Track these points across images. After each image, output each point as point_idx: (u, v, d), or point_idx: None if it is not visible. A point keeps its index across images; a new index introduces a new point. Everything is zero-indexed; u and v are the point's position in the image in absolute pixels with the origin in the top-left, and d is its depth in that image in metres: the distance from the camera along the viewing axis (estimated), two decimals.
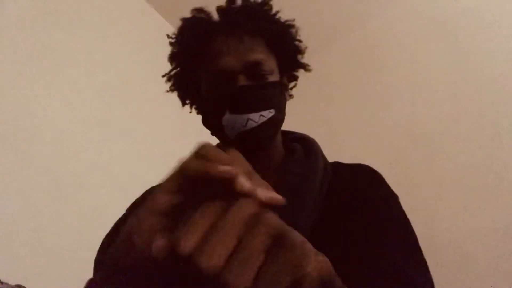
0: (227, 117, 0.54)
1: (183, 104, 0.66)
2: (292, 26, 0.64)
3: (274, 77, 0.58)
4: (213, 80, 0.57)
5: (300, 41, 0.65)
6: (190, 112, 0.68)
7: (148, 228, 0.26)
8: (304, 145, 0.63)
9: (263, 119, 0.54)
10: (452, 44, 1.77)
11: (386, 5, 2.04)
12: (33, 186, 1.17)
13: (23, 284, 0.92)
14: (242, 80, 0.55)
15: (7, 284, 0.86)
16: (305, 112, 2.10)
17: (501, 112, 1.54)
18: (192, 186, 0.26)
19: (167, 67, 0.65)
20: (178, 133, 1.59)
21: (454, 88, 1.70)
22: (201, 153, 0.27)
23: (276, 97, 0.57)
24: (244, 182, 0.24)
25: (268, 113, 0.54)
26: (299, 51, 0.65)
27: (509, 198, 1.41)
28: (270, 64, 0.58)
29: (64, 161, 1.29)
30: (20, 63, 1.25)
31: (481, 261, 1.38)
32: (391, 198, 0.56)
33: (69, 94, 1.40)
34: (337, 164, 0.63)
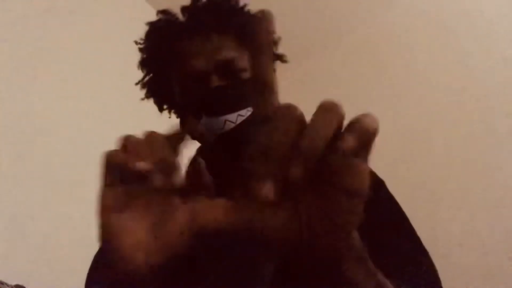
0: (204, 121, 0.52)
1: (161, 110, 0.64)
2: (263, 17, 0.61)
3: (248, 73, 0.55)
4: (185, 84, 0.55)
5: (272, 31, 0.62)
6: (170, 117, 0.65)
7: (114, 224, 0.26)
8: None
9: (241, 119, 0.52)
10: (452, 44, 1.77)
11: (386, 5, 2.03)
12: (33, 186, 1.16)
13: (23, 284, 0.92)
14: (215, 81, 0.52)
15: (7, 284, 0.86)
16: (305, 111, 2.10)
17: (501, 111, 1.54)
18: (123, 174, 0.27)
19: None
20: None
21: (454, 88, 1.70)
22: (121, 144, 0.29)
23: (253, 94, 0.55)
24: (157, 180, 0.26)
25: (246, 112, 0.52)
26: (273, 42, 0.62)
27: (510, 196, 1.41)
28: (243, 60, 0.55)
29: (64, 161, 1.29)
30: (19, 62, 1.25)
31: (481, 260, 1.38)
32: (378, 183, 0.56)
33: (69, 93, 1.40)
34: None
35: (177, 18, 0.59)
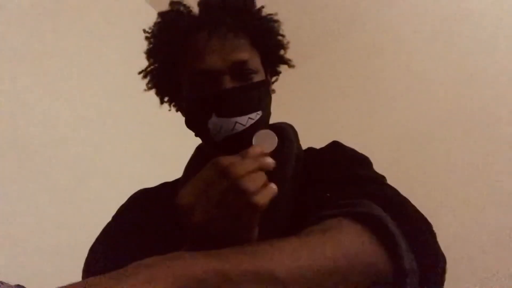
0: (214, 120, 0.52)
1: (162, 102, 0.63)
2: (276, 20, 0.61)
3: (259, 76, 0.56)
4: (196, 80, 0.54)
5: (282, 35, 0.62)
6: (169, 110, 0.64)
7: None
8: (280, 136, 0.62)
9: (251, 122, 0.52)
10: (451, 44, 1.77)
11: (386, 6, 2.03)
12: (33, 186, 1.16)
13: (23, 284, 0.92)
14: (228, 81, 0.52)
15: (7, 284, 0.86)
16: (306, 111, 2.10)
17: (500, 110, 1.54)
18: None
19: None
20: (177, 133, 1.58)
21: (454, 87, 1.70)
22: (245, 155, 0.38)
23: (263, 97, 0.56)
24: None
25: (256, 115, 0.53)
26: (282, 46, 0.62)
27: (509, 195, 1.41)
28: (255, 62, 0.56)
29: (64, 161, 1.29)
30: (19, 63, 1.25)
31: (481, 259, 1.38)
32: (355, 156, 0.58)
33: (68, 93, 1.40)
34: (309, 149, 0.63)
35: (191, 12, 0.58)
